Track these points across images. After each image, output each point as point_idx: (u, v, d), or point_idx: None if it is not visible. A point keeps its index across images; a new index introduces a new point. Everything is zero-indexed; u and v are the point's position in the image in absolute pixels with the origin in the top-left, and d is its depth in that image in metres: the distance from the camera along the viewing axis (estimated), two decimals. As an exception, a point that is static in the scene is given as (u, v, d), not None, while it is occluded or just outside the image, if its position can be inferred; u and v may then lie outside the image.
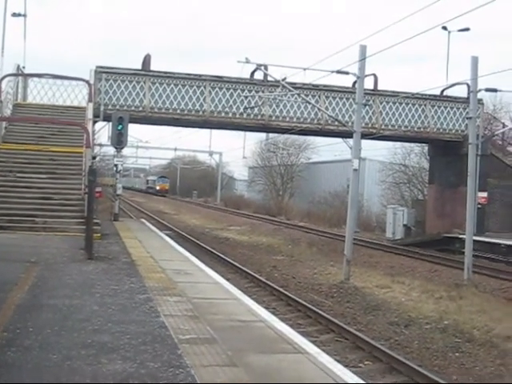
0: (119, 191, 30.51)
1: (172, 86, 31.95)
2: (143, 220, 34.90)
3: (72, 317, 9.07)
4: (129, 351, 7.43)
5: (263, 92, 31.69)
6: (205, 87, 32.28)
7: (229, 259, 26.20)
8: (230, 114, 32.57)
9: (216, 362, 7.28)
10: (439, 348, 13.73)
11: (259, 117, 32.96)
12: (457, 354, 13.36)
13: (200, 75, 32.46)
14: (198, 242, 32.17)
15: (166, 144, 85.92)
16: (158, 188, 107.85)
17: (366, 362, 12.50)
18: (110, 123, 29.76)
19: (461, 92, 34.66)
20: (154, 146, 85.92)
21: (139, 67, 32.21)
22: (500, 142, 37.33)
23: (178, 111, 32.08)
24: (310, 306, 17.32)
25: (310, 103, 29.71)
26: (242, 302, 11.33)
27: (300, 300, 18.08)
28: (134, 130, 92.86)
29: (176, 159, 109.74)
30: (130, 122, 29.60)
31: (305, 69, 24.45)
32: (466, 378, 11.98)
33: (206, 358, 7.38)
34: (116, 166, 30.35)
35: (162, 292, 11.41)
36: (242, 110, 32.27)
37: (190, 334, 8.39)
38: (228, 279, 16.06)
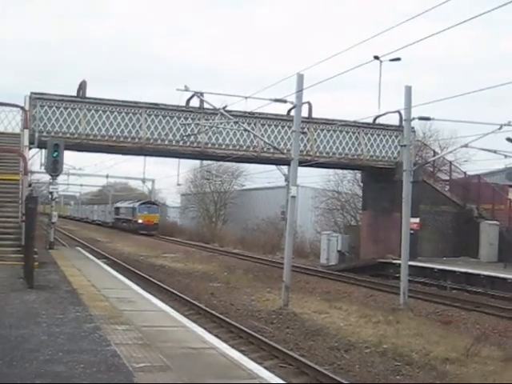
0: (55, 219, 30.09)
1: (108, 112, 31.68)
2: (78, 248, 34.50)
3: (21, 347, 8.97)
4: (85, 379, 7.43)
5: (199, 120, 31.85)
6: (141, 114, 32.15)
7: (167, 287, 26.10)
8: (167, 142, 32.46)
9: (173, 389, 7.34)
10: (380, 372, 13.98)
11: (195, 144, 32.90)
12: (398, 377, 13.64)
13: (136, 102, 32.32)
14: (134, 269, 31.91)
15: (101, 171, 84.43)
16: (140, 221, 72.91)
17: (312, 387, 12.67)
18: (44, 150, 29.39)
19: (392, 120, 35.55)
20: (86, 173, 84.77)
21: (73, 93, 31.88)
22: (431, 169, 38.37)
23: (114, 138, 31.79)
24: (251, 332, 17.40)
25: (246, 130, 29.92)
26: (190, 329, 11.39)
27: (241, 326, 18.14)
28: (68, 157, 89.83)
29: (108, 186, 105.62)
30: (65, 148, 29.22)
31: (246, 97, 24.74)
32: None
33: (163, 385, 7.43)
34: (51, 193, 29.95)
35: (108, 320, 11.37)
36: (178, 137, 32.22)
37: (144, 362, 8.41)
38: (171, 307, 16.05)
